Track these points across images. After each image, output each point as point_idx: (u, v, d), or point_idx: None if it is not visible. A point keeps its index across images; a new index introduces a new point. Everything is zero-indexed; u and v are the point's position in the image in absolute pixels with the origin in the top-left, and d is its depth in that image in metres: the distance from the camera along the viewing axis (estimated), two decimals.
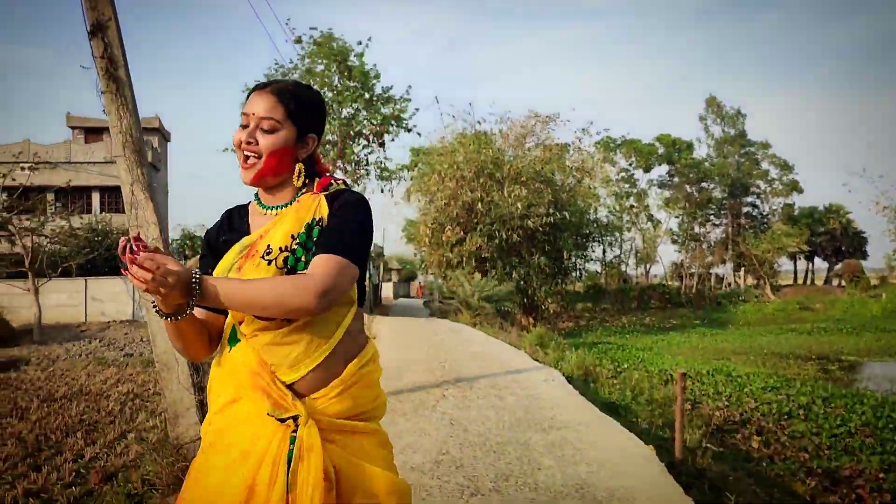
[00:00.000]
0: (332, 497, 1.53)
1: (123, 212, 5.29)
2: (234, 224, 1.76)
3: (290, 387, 1.59)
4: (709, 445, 7.28)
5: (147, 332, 5.44)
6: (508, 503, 3.53)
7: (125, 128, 5.04)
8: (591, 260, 36.29)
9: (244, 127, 1.67)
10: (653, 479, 3.92)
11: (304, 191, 1.72)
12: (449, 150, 26.99)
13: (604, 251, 43.46)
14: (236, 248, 1.65)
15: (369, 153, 21.51)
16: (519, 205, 25.13)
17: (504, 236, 25.70)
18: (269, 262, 1.59)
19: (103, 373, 12.84)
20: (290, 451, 1.52)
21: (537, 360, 10.24)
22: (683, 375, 4.73)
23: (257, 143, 1.64)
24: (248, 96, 1.69)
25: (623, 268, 51.30)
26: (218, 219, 1.83)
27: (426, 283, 59.04)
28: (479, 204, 25.79)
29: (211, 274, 1.56)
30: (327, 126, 19.81)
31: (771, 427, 8.96)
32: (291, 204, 1.70)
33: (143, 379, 12.01)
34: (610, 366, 14.63)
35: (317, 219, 1.64)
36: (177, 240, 38.22)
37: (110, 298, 23.25)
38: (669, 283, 51.62)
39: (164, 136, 33.90)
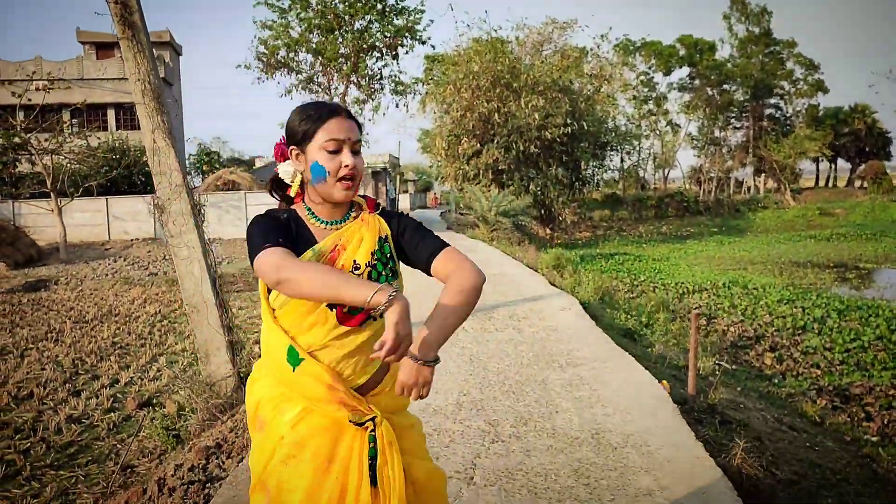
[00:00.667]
0: (409, 488, 1.73)
1: (139, 128, 5.39)
2: (291, 231, 1.73)
3: (358, 389, 1.73)
4: (723, 364, 7.49)
5: (169, 250, 5.61)
6: (528, 450, 3.69)
7: (143, 74, 5.02)
8: (609, 169, 35.92)
9: (334, 153, 1.69)
10: (666, 422, 4.07)
11: (354, 208, 1.82)
12: (464, 59, 26.30)
13: (622, 159, 42.88)
14: (309, 254, 1.67)
15: (383, 66, 21.01)
16: (536, 115, 24.70)
17: (521, 147, 25.41)
18: (359, 276, 1.69)
19: (130, 293, 13.21)
20: (371, 450, 1.68)
21: (554, 285, 10.35)
22: (698, 316, 4.82)
23: (356, 166, 1.72)
24: (322, 119, 1.70)
25: (641, 173, 50.83)
26: (275, 213, 1.78)
27: (442, 194, 58.90)
28: (496, 115, 25.35)
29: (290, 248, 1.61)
30: (340, 39, 19.43)
31: (784, 342, 9.11)
32: (348, 219, 1.79)
33: (168, 299, 12.36)
34: (627, 279, 14.80)
35: (383, 236, 1.78)
36: (193, 154, 38.26)
37: (132, 217, 23.61)
38: (688, 188, 51.19)
39: (176, 50, 33.38)
